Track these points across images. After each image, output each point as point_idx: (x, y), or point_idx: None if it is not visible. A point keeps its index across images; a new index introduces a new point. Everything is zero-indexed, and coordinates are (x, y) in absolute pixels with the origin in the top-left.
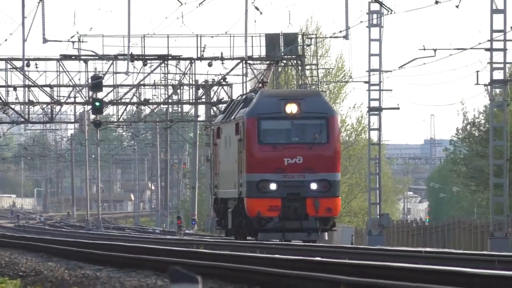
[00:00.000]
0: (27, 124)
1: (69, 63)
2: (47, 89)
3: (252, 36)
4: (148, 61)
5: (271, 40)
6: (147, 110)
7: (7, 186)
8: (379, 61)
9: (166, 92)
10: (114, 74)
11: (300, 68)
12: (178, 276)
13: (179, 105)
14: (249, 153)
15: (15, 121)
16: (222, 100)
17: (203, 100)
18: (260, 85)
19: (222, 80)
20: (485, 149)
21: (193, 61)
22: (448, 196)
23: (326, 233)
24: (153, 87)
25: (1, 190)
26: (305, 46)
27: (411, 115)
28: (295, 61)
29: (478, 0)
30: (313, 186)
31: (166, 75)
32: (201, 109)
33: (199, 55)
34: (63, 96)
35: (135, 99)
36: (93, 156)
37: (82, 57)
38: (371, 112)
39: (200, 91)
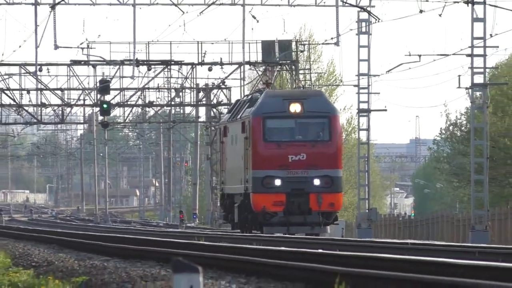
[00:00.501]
0: (39, 125)
1: (79, 68)
2: (58, 92)
3: (249, 43)
4: (152, 66)
5: (267, 46)
6: (151, 111)
7: (21, 182)
8: (368, 66)
9: (169, 95)
10: (121, 78)
11: (294, 72)
12: (180, 266)
13: (181, 107)
14: (254, 151)
15: (28, 122)
16: (222, 102)
17: (204, 102)
18: (265, 85)
19: (221, 84)
20: (467, 148)
21: (194, 66)
22: (432, 192)
23: (328, 227)
24: (157, 90)
25: (16, 186)
26: (298, 52)
27: (397, 116)
28: (289, 66)
29: (459, 9)
30: (316, 182)
31: (169, 79)
32: (202, 110)
33: (199, 61)
34: (73, 99)
35: (140, 102)
36: (101, 154)
37: (91, 63)
38: (360, 114)
39: (201, 94)
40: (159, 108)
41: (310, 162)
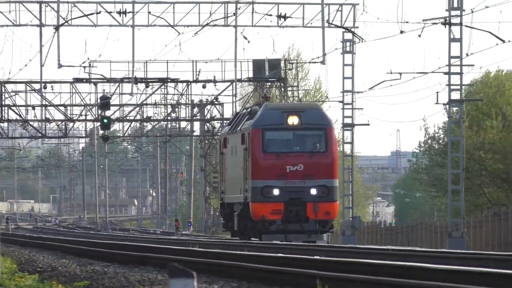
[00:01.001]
0: (44, 139)
1: (81, 86)
2: (62, 108)
3: (241, 62)
4: (150, 84)
5: (258, 65)
6: (149, 126)
7: (26, 193)
8: (352, 83)
9: (166, 111)
10: (120, 95)
11: (282, 89)
12: (176, 272)
13: (177, 122)
14: (254, 161)
15: (33, 136)
16: (215, 117)
17: (198, 117)
18: (264, 99)
19: (214, 100)
20: (444, 160)
21: (189, 83)
22: (411, 201)
23: (325, 235)
24: (154, 106)
25: (21, 196)
26: (287, 70)
27: (379, 131)
28: (278, 83)
29: (437, 30)
30: (313, 191)
31: (165, 95)
32: (196, 125)
33: (194, 78)
34: (76, 114)
35: (138, 117)
36: (101, 166)
37: (92, 80)
38: (344, 128)
39: (195, 110)
40: (156, 123)
41: (307, 172)
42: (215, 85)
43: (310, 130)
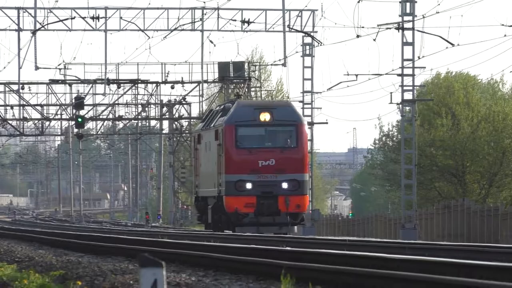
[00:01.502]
0: (22, 137)
1: (57, 86)
2: (38, 108)
3: (207, 64)
4: (122, 85)
5: (223, 67)
6: (120, 124)
7: (5, 187)
8: (311, 84)
9: (136, 110)
10: (94, 95)
11: (246, 90)
12: (146, 261)
13: (147, 121)
14: (227, 156)
15: (12, 134)
16: (183, 116)
17: (167, 116)
18: (236, 97)
19: (182, 100)
20: (398, 156)
21: (158, 84)
22: (367, 195)
23: (295, 227)
24: (126, 106)
25: (0, 190)
26: (250, 72)
27: (337, 129)
28: (242, 84)
29: (391, 34)
30: (284, 185)
31: (136, 96)
32: (165, 123)
33: (163, 80)
34: (52, 114)
35: (111, 116)
36: (76, 162)
37: (67, 81)
38: None
39: (164, 109)
40: (127, 121)
41: (279, 167)
42: (183, 86)
43: (281, 126)
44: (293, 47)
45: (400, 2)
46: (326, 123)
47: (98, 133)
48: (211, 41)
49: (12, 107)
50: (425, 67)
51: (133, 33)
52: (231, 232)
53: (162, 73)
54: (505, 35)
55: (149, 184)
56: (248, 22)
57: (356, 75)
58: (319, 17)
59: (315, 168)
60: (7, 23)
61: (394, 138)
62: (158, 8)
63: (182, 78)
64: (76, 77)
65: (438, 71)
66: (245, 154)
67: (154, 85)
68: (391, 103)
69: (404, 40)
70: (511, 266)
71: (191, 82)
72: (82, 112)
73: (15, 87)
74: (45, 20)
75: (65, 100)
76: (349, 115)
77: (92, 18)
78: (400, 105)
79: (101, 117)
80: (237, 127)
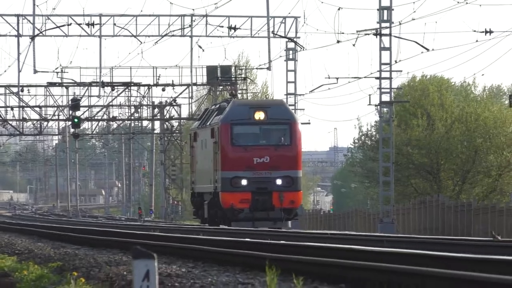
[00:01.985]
0: (21, 136)
1: (54, 89)
2: (37, 109)
3: (196, 68)
4: (115, 87)
5: (211, 70)
6: (114, 125)
7: (6, 184)
8: (295, 87)
9: (129, 111)
10: (89, 97)
11: (233, 92)
12: (139, 254)
13: (140, 121)
14: (223, 154)
15: (12, 134)
16: (173, 117)
17: (158, 117)
18: (231, 96)
19: (173, 102)
20: (376, 155)
21: (150, 87)
22: (347, 191)
23: (289, 222)
24: (119, 107)
25: (1, 187)
26: (237, 75)
27: (319, 128)
28: (229, 87)
29: (370, 40)
30: (278, 181)
31: (129, 97)
32: (157, 124)
33: (155, 82)
34: (49, 114)
35: (105, 116)
36: (72, 160)
37: (64, 84)
38: None
39: (156, 110)
40: (121, 122)
41: (273, 164)
42: (173, 88)
43: (275, 125)
44: (277, 52)
45: (378, 9)
46: (309, 123)
47: (93, 133)
48: (199, 46)
49: (12, 108)
50: (401, 71)
51: (126, 38)
52: (227, 226)
53: (153, 76)
54: (476, 41)
55: (142, 181)
56: (235, 28)
57: (337, 78)
58: (302, 24)
59: None
60: (7, 29)
61: (373, 138)
62: (149, 15)
63: (172, 81)
64: (72, 80)
65: (414, 74)
66: (240, 152)
67: (146, 87)
68: (369, 104)
69: (382, 45)
70: (482, 258)
71: (181, 85)
72: (78, 113)
73: (15, 89)
74: (43, 26)
75: (62, 101)
76: (330, 116)
77: (88, 24)
78: (378, 107)
79: (96, 117)
80: (233, 126)
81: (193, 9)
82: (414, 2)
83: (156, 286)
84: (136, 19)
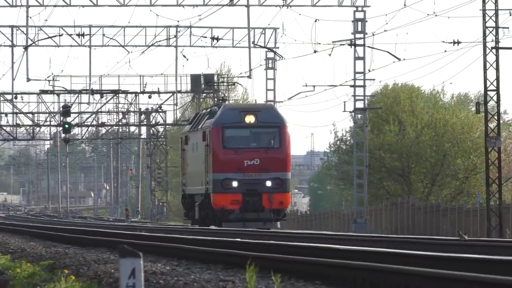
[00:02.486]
0: (15, 141)
1: (46, 96)
2: (30, 115)
3: (180, 76)
4: (104, 94)
5: (195, 79)
6: (103, 130)
7: (0, 186)
8: (274, 94)
9: (117, 117)
10: (79, 104)
11: (216, 99)
12: (125, 252)
13: (127, 127)
14: (214, 156)
15: (6, 139)
16: (159, 123)
17: (145, 123)
18: (221, 100)
19: (158, 108)
20: (350, 159)
21: (137, 94)
22: (324, 193)
23: (278, 222)
24: (108, 113)
25: None
26: (219, 83)
27: (296, 133)
28: (212, 94)
29: (345, 50)
30: (268, 183)
31: (117, 104)
32: (143, 129)
33: (141, 90)
34: (42, 120)
35: (94, 122)
36: (63, 164)
37: (55, 92)
38: None
39: (143, 116)
40: (109, 127)
41: (263, 166)
42: (159, 96)
43: (265, 128)
44: (258, 61)
45: (352, 21)
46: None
47: (83, 138)
48: (184, 56)
49: (6, 114)
50: (374, 79)
51: (115, 48)
52: (218, 227)
53: (140, 84)
54: (445, 51)
55: (129, 183)
56: (217, 39)
57: (314, 86)
58: (281, 35)
59: None
60: (2, 39)
61: (347, 142)
62: (137, 26)
63: (158, 88)
64: (63, 88)
65: (386, 82)
66: (231, 154)
67: (133, 95)
68: (344, 111)
69: (356, 55)
70: (449, 256)
71: (166, 92)
72: (69, 119)
73: (9, 96)
74: (36, 37)
75: (53, 108)
76: (307, 122)
77: (78, 35)
78: (353, 113)
79: (86, 123)
80: (224, 129)
81: (178, 21)
82: (386, 15)
83: (142, 283)
84: (124, 30)
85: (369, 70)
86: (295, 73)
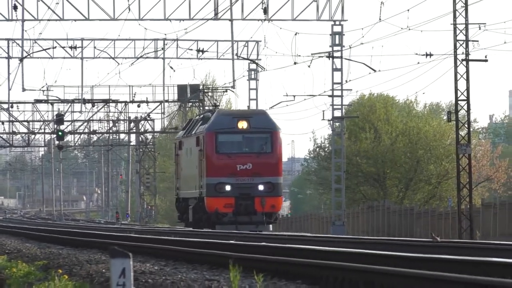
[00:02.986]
0: (11, 148)
1: (41, 105)
2: (25, 123)
3: (168, 86)
4: (96, 104)
5: (181, 89)
6: (94, 137)
7: None
8: (256, 103)
9: (108, 125)
10: (72, 113)
11: (201, 108)
12: (116, 253)
13: (117, 134)
14: (208, 161)
15: (2, 146)
16: (147, 131)
17: (134, 130)
18: (214, 107)
19: (147, 117)
20: (329, 164)
21: (126, 103)
22: (304, 197)
23: (270, 225)
24: (99, 121)
25: None
26: (204, 93)
27: None
28: (197, 103)
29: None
30: (260, 187)
31: (108, 113)
32: (133, 137)
33: (131, 100)
34: (36, 128)
35: (86, 130)
36: (57, 169)
37: (49, 101)
38: None
39: (132, 125)
40: (100, 135)
41: (255, 171)
42: (147, 105)
43: (257, 133)
44: (241, 72)
45: (330, 34)
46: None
47: (76, 144)
48: (171, 67)
49: (3, 122)
50: (351, 89)
51: (105, 60)
52: (211, 230)
53: (129, 94)
54: (418, 63)
55: (119, 188)
56: (202, 51)
57: (294, 96)
58: (263, 47)
59: None
60: None
61: (326, 149)
62: (126, 39)
63: (146, 98)
64: (57, 97)
65: (363, 92)
66: (224, 159)
67: (123, 104)
68: (323, 119)
69: (334, 67)
70: (423, 257)
71: (154, 102)
72: (62, 127)
73: (5, 105)
74: (31, 49)
75: (47, 116)
76: (288, 130)
77: (71, 47)
78: (331, 121)
79: (78, 131)
80: (217, 134)
81: (165, 34)
82: (362, 28)
83: (131, 282)
84: (114, 43)
85: (346, 81)
86: (276, 83)
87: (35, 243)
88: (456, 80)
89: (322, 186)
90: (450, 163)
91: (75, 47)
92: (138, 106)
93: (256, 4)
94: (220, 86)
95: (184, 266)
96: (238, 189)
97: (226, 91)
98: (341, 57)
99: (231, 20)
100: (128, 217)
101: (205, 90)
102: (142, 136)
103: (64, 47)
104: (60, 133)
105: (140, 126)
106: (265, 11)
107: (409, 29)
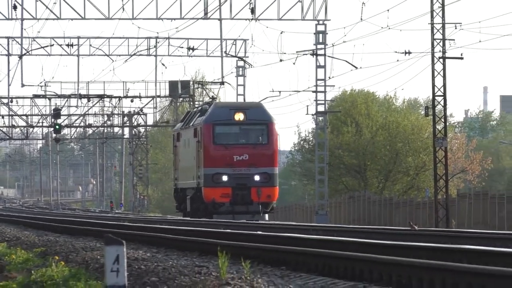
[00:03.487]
0: (10, 140)
1: (39, 100)
2: (24, 117)
3: (159, 82)
4: (91, 98)
5: (172, 85)
6: (90, 130)
7: None
8: (244, 99)
9: (103, 119)
10: (68, 107)
11: (192, 103)
12: (110, 240)
13: (111, 128)
14: (205, 152)
15: (2, 138)
16: (140, 124)
17: (127, 124)
18: (212, 99)
19: (140, 111)
20: (312, 157)
21: (120, 98)
22: (289, 188)
23: (266, 215)
24: (94, 115)
25: None
26: (195, 89)
27: None
28: (188, 99)
29: (307, 59)
30: (257, 177)
31: (103, 107)
32: (126, 130)
33: (124, 95)
34: (35, 122)
35: (82, 124)
36: (54, 161)
37: (47, 96)
38: None
39: (125, 119)
40: (95, 128)
41: (252, 162)
42: (140, 100)
43: (254, 125)
44: (229, 69)
45: (314, 33)
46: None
47: (72, 137)
48: (163, 64)
49: (3, 116)
50: (334, 86)
51: (100, 57)
52: (208, 219)
53: (123, 89)
54: (397, 60)
55: (113, 178)
56: (193, 49)
57: (279, 92)
58: (250, 45)
59: None
60: None
61: (310, 142)
62: (120, 37)
63: (139, 93)
64: (54, 92)
65: (345, 88)
66: (221, 150)
67: (117, 99)
68: (307, 114)
69: (318, 64)
70: (402, 244)
71: (147, 97)
72: (59, 121)
73: (5, 100)
74: (30, 46)
75: (45, 111)
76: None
77: (67, 45)
78: (315, 116)
79: (74, 125)
80: (215, 126)
81: (158, 32)
82: (345, 27)
83: (125, 268)
84: (109, 41)
85: (329, 77)
86: (263, 80)
87: (33, 231)
88: (433, 77)
89: (306, 177)
90: (427, 156)
91: (72, 45)
92: (132, 101)
93: (244, 4)
94: (209, 82)
95: (175, 253)
96: (234, 179)
97: (223, 84)
98: (324, 55)
99: (220, 19)
100: (121, 206)
101: (200, 84)
102: (135, 129)
103: (61, 45)
104: (57, 127)
105: (133, 120)
106: (253, 11)
107: (389, 28)
